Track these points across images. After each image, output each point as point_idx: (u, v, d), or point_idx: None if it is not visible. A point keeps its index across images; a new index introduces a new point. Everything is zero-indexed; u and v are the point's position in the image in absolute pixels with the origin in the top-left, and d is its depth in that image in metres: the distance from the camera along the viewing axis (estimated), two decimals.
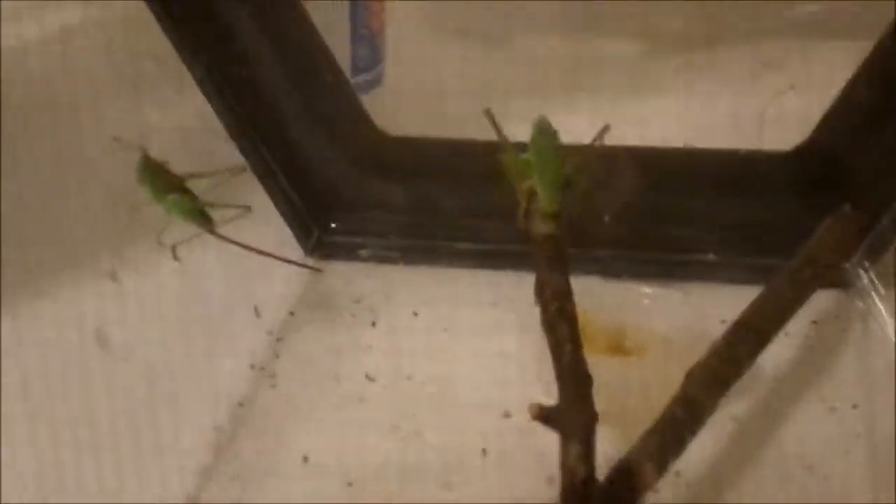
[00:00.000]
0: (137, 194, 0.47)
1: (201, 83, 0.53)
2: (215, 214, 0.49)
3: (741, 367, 0.45)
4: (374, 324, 0.52)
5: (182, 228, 0.47)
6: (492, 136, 0.59)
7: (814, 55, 0.58)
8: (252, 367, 0.49)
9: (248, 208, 0.48)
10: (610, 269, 0.54)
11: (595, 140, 0.49)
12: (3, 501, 0.42)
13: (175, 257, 0.47)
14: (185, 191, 0.48)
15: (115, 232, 0.49)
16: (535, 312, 0.47)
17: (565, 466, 0.41)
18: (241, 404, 0.47)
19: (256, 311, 0.51)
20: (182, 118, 0.57)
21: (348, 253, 0.57)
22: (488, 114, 0.49)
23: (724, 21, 0.59)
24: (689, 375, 0.44)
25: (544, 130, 0.50)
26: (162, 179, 0.47)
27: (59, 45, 0.55)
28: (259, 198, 0.55)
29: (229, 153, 0.54)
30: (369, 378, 0.49)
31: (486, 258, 0.56)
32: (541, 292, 0.48)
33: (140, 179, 0.47)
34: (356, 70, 0.65)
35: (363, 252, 0.57)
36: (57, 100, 0.54)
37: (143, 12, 0.51)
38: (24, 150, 0.52)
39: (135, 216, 0.47)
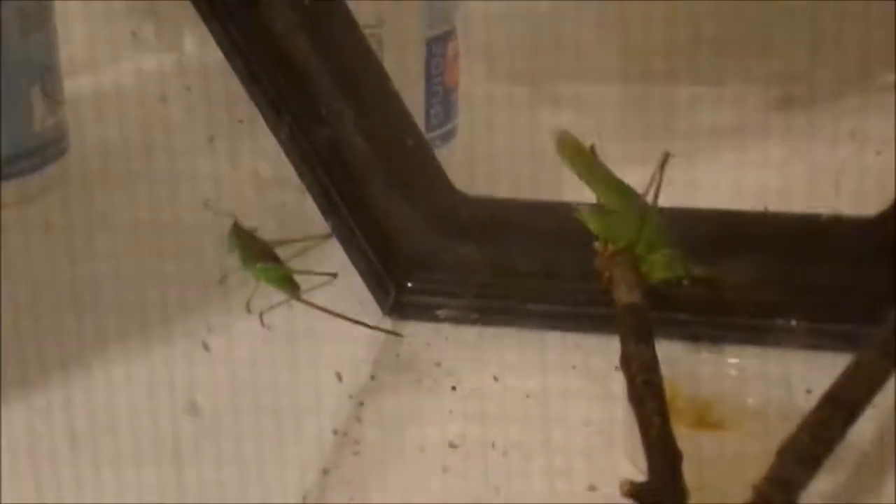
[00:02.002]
0: (226, 261, 0.48)
1: (285, 145, 0.54)
2: (301, 281, 0.49)
3: (832, 443, 0.45)
4: (454, 388, 0.52)
5: (269, 294, 0.48)
6: (563, 196, 0.59)
7: None
8: (335, 432, 0.49)
9: (334, 275, 0.49)
10: (691, 333, 0.54)
11: (658, 172, 0.48)
12: None
13: (262, 324, 0.48)
14: (274, 258, 0.48)
15: (205, 298, 0.49)
16: (619, 378, 0.47)
17: None
18: (325, 472, 0.47)
19: (338, 376, 0.51)
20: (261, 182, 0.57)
21: (426, 313, 0.57)
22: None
23: (808, 81, 0.59)
24: (781, 453, 0.43)
25: (624, 191, 0.50)
26: (251, 247, 0.48)
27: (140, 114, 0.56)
28: (337, 261, 0.55)
29: (306, 216, 0.55)
30: (452, 445, 0.49)
31: (566, 320, 0.56)
32: (627, 365, 0.48)
33: (230, 247, 0.48)
34: (430, 127, 0.66)
35: (440, 312, 0.57)
36: (137, 169, 0.54)
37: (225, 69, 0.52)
38: (111, 212, 0.53)
39: (224, 284, 0.47)
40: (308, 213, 0.56)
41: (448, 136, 0.67)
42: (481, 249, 0.58)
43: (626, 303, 0.50)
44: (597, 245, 0.52)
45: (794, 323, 0.54)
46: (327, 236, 0.51)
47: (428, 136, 0.64)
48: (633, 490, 0.43)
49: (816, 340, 0.53)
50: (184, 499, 0.45)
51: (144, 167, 0.52)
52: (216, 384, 0.48)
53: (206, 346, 0.47)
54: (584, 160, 0.49)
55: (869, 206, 0.54)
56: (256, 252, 0.48)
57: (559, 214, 0.59)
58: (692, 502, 0.41)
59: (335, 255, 0.55)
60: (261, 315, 0.47)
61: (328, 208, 0.55)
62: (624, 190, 0.49)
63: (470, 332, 0.56)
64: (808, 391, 0.48)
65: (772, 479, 0.43)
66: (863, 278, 0.54)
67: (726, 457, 0.46)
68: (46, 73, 0.68)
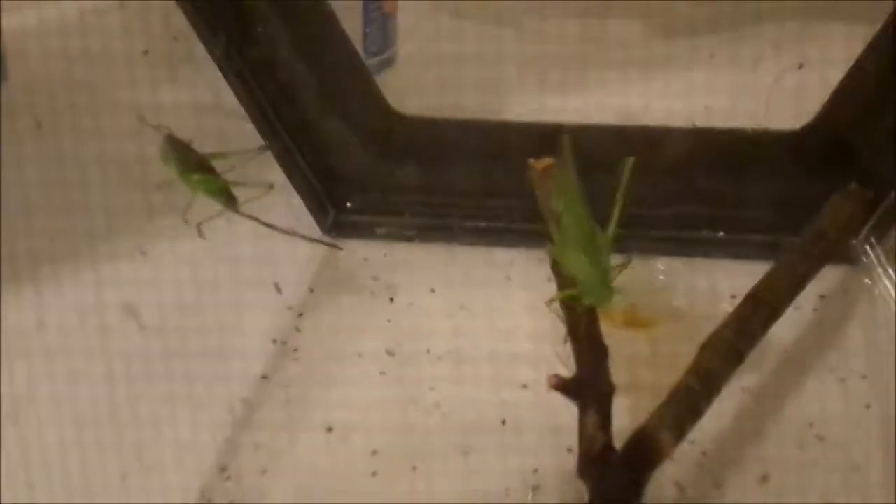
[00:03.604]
0: (162, 173, 0.48)
1: (220, 64, 0.54)
2: (238, 193, 0.50)
3: (753, 339, 0.47)
4: (392, 299, 0.53)
5: (206, 206, 0.48)
6: (501, 115, 0.60)
7: (821, 34, 0.59)
8: (274, 341, 0.50)
9: (270, 187, 0.49)
10: (624, 247, 0.55)
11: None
12: (29, 463, 0.43)
13: (200, 235, 0.48)
14: (210, 170, 0.49)
15: (143, 208, 0.50)
16: (550, 289, 0.48)
17: (583, 435, 0.43)
18: (264, 377, 0.48)
19: (277, 288, 0.52)
20: (198, 99, 0.58)
21: (365, 231, 0.58)
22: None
23: (732, 2, 0.60)
24: (704, 348, 0.45)
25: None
26: (186, 158, 0.48)
27: (79, 24, 0.56)
28: (276, 179, 0.55)
29: (245, 134, 0.55)
30: (389, 353, 0.50)
31: (500, 236, 0.57)
32: (556, 265, 0.50)
33: (164, 158, 0.48)
34: (369, 52, 0.66)
35: (379, 230, 0.58)
36: (77, 79, 0.55)
37: None
38: (52, 131, 0.53)
39: (160, 194, 0.48)
40: (248, 135, 0.57)
41: (386, 64, 0.67)
42: (419, 169, 0.59)
43: (557, 211, 0.51)
44: (531, 161, 0.54)
45: (720, 234, 0.56)
46: (263, 148, 0.52)
47: (367, 61, 0.64)
48: (560, 384, 0.44)
49: (743, 250, 0.55)
50: (126, 397, 0.46)
51: (85, 77, 0.52)
52: (155, 290, 0.49)
53: (142, 252, 0.48)
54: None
55: (796, 120, 0.55)
56: (192, 163, 0.48)
57: (495, 134, 0.61)
58: (620, 397, 0.43)
59: (274, 176, 0.56)
60: (198, 226, 0.48)
61: (266, 129, 0.55)
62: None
63: (408, 249, 0.57)
64: (733, 297, 0.50)
65: (695, 371, 0.45)
66: (788, 190, 0.55)
67: (652, 354, 0.48)
68: None
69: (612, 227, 0.46)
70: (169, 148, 0.48)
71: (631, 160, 0.47)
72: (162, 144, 0.48)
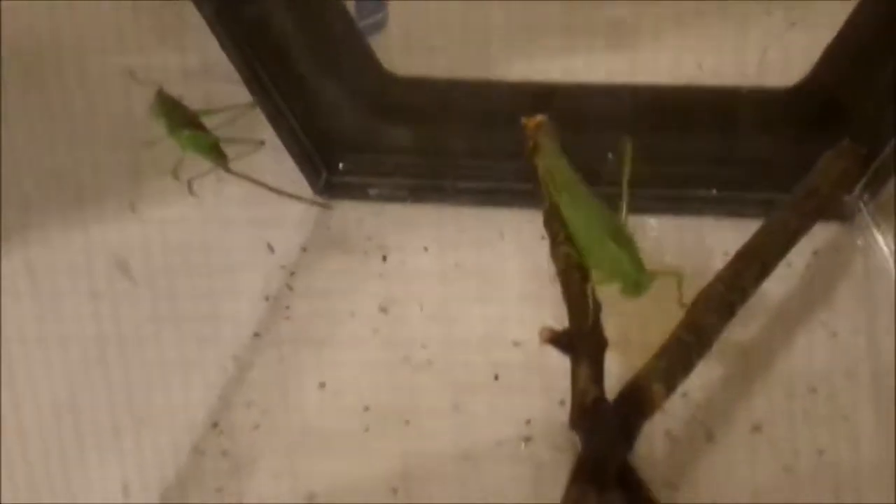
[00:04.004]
0: (152, 129, 0.48)
1: (212, 25, 0.53)
2: (229, 151, 0.49)
3: (745, 294, 0.47)
4: (385, 258, 0.53)
5: (197, 163, 0.48)
6: (493, 75, 0.60)
7: None
8: (266, 299, 0.50)
9: (261, 143, 0.49)
10: (616, 206, 0.55)
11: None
12: (22, 420, 0.43)
13: (191, 192, 0.48)
14: (200, 126, 0.49)
15: (133, 166, 0.50)
16: (543, 247, 0.48)
17: (576, 387, 0.43)
18: (256, 334, 0.48)
19: (270, 247, 0.52)
20: (188, 61, 0.57)
21: (357, 192, 0.58)
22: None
23: None
24: (696, 302, 0.45)
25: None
26: (176, 114, 0.48)
27: None
28: (270, 140, 0.55)
29: (237, 98, 0.55)
30: (382, 310, 0.50)
31: (492, 196, 0.57)
32: (549, 224, 0.50)
33: (155, 114, 0.48)
34: (361, 13, 0.66)
35: (372, 191, 0.58)
36: (65, 41, 0.54)
37: None
38: (41, 91, 0.53)
39: (150, 151, 0.48)
40: (240, 98, 0.56)
41: (379, 24, 0.67)
42: (411, 130, 0.58)
43: (549, 167, 0.51)
44: (523, 119, 0.53)
45: (713, 192, 0.56)
46: (252, 105, 0.51)
47: (360, 22, 0.64)
48: (553, 337, 0.44)
49: (736, 208, 0.55)
50: (121, 355, 0.46)
51: (74, 39, 0.52)
52: (146, 247, 0.49)
53: (132, 208, 0.48)
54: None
55: (788, 78, 0.55)
56: (182, 120, 0.48)
57: (487, 94, 0.60)
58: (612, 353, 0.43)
59: (267, 137, 0.55)
60: (189, 183, 0.48)
61: (258, 90, 0.55)
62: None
63: (400, 210, 0.57)
64: (726, 254, 0.50)
65: (687, 325, 0.45)
66: (781, 148, 0.55)
67: (645, 310, 0.48)
68: None
69: (624, 212, 0.46)
70: (159, 103, 0.48)
71: (629, 142, 0.46)
72: (152, 100, 0.47)
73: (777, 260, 0.48)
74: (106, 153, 0.51)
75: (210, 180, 0.49)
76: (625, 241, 0.45)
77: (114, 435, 0.44)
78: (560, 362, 0.43)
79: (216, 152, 0.49)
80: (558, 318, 0.44)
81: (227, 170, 0.49)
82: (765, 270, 0.47)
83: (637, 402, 0.41)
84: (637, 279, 0.44)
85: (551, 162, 0.48)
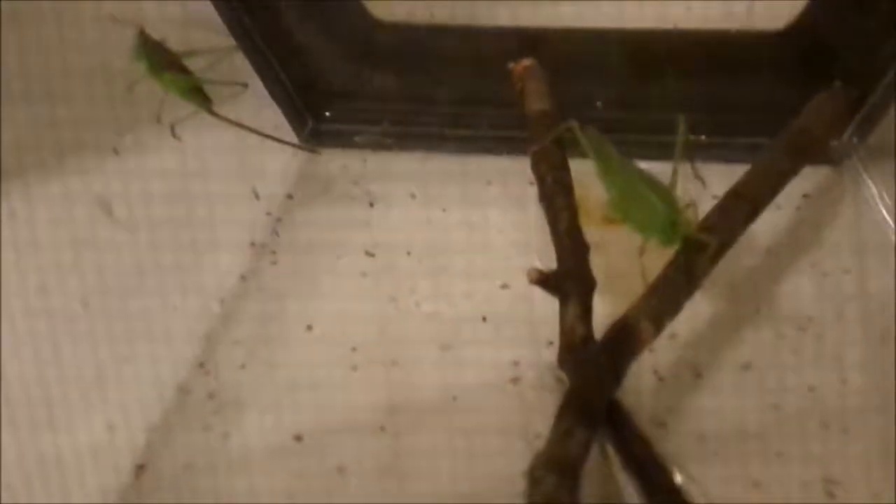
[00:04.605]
0: (134, 72, 0.47)
1: None
2: (213, 95, 0.49)
3: (734, 234, 0.46)
4: (372, 204, 0.53)
5: (180, 106, 0.48)
6: (480, 21, 0.59)
7: None
8: (252, 244, 0.50)
9: (244, 86, 0.49)
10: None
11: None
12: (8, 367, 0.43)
13: (174, 135, 0.47)
14: (182, 68, 0.48)
15: (115, 109, 0.49)
16: (532, 191, 0.48)
17: (564, 326, 0.43)
18: (243, 278, 0.48)
19: (255, 193, 0.52)
20: (168, 6, 0.56)
21: (343, 140, 0.57)
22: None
23: None
24: (684, 241, 0.45)
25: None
26: (159, 56, 0.47)
27: None
28: (255, 88, 0.55)
29: (221, 43, 0.54)
30: (369, 254, 0.50)
31: (480, 143, 0.56)
32: (537, 166, 0.49)
33: (136, 56, 0.47)
34: None
35: (359, 139, 0.57)
36: None
37: None
38: (23, 32, 0.52)
39: (132, 94, 0.47)
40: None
41: None
42: (398, 77, 0.58)
43: (537, 109, 0.51)
44: (510, 63, 0.53)
45: (702, 138, 0.55)
46: (234, 48, 0.51)
47: None
48: (541, 277, 0.44)
49: (726, 153, 0.54)
50: (105, 300, 0.46)
51: None
52: (129, 191, 0.48)
53: (115, 151, 0.47)
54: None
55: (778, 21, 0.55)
56: (164, 62, 0.47)
57: (474, 40, 0.60)
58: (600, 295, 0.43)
59: (251, 84, 0.55)
60: (172, 126, 0.47)
61: (242, 36, 0.54)
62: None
63: (387, 157, 0.56)
64: (715, 198, 0.49)
65: (676, 264, 0.44)
66: (771, 92, 0.55)
67: (634, 251, 0.47)
68: None
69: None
70: (140, 44, 0.47)
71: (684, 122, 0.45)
72: (134, 41, 0.47)
73: (766, 201, 0.48)
74: (85, 102, 0.50)
75: (194, 126, 0.49)
76: (656, 187, 0.44)
77: (98, 379, 0.44)
78: (549, 306, 0.43)
79: (199, 95, 0.48)
80: (547, 263, 0.44)
81: (212, 112, 0.49)
82: (754, 211, 0.47)
83: (625, 340, 0.41)
84: (673, 221, 0.42)
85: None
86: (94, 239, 0.47)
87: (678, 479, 0.38)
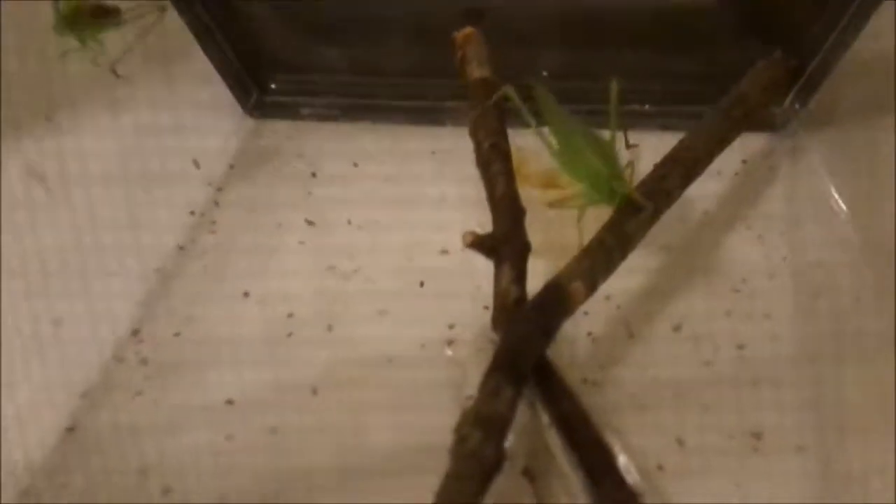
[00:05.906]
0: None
1: None
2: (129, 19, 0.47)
3: (670, 198, 0.46)
4: (314, 174, 0.53)
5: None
6: None
7: None
8: (192, 213, 0.50)
9: (162, 9, 0.48)
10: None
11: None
12: None
13: (117, 75, 0.47)
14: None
15: (46, 75, 0.49)
16: (473, 163, 0.48)
17: (498, 288, 0.43)
18: (181, 247, 0.48)
19: (196, 164, 0.52)
20: None
21: (289, 112, 0.57)
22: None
23: None
24: (620, 202, 0.45)
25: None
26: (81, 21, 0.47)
27: None
28: (198, 58, 0.54)
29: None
30: (309, 223, 0.50)
31: (425, 114, 0.56)
32: (475, 132, 0.49)
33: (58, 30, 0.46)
34: None
35: (304, 111, 0.57)
36: None
37: None
38: None
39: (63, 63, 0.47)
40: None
41: None
42: (344, 48, 0.58)
43: (477, 76, 0.51)
44: (454, 34, 0.53)
45: (645, 107, 0.56)
46: (162, 9, 0.50)
47: None
48: (476, 240, 0.44)
49: (668, 122, 0.54)
50: (43, 265, 0.46)
51: None
52: (63, 159, 0.48)
53: (48, 118, 0.47)
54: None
55: None
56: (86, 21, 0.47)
57: (419, 11, 0.60)
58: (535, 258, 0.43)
59: (195, 54, 0.54)
60: (113, 69, 0.46)
61: (185, 8, 0.54)
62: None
63: (333, 128, 0.56)
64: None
65: (610, 227, 0.45)
66: (712, 61, 0.55)
67: (571, 215, 0.48)
68: None
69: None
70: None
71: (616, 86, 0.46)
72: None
73: (703, 165, 0.48)
74: (16, 64, 0.50)
75: (137, 98, 0.48)
76: (598, 145, 0.45)
77: (34, 341, 0.43)
78: (486, 270, 0.43)
79: (106, 14, 0.47)
80: (487, 230, 0.44)
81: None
82: (690, 175, 0.47)
83: (557, 300, 0.41)
84: (614, 177, 0.44)
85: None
86: (28, 204, 0.47)
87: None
